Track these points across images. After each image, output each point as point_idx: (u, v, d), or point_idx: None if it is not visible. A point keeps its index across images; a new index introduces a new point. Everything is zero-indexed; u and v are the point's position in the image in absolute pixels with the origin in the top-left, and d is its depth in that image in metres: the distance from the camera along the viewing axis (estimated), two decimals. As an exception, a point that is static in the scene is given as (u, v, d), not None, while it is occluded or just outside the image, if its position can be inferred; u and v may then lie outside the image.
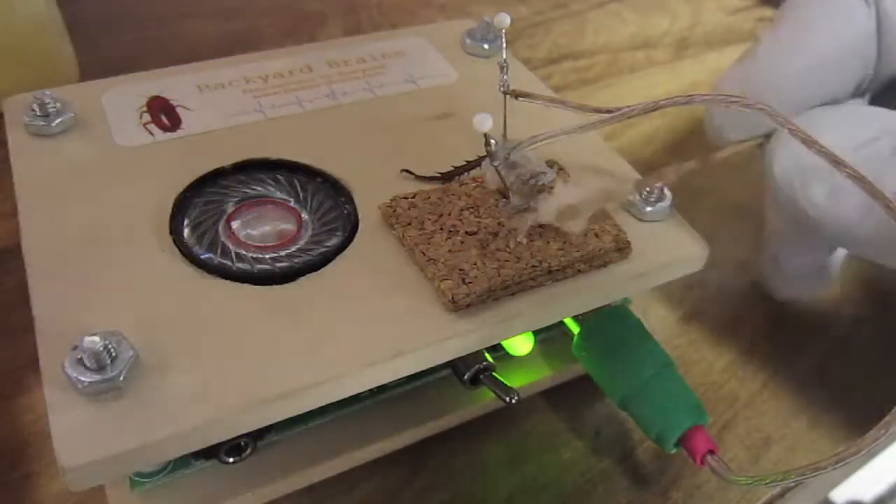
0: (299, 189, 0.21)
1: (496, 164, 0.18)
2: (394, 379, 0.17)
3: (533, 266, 0.18)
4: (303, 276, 0.18)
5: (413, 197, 0.20)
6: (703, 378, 0.24)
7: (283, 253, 0.19)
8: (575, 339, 0.21)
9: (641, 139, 0.33)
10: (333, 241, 0.19)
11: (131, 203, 0.20)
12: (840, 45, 0.20)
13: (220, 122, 0.22)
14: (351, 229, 0.20)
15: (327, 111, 0.23)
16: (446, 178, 0.21)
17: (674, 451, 0.19)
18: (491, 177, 0.19)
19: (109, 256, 0.18)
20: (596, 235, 0.19)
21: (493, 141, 0.18)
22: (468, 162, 0.21)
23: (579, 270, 0.19)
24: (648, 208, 0.20)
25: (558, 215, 0.18)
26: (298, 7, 0.41)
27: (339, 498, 0.20)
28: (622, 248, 0.19)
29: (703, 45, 0.41)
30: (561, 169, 0.21)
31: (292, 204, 0.20)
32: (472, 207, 0.19)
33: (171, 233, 0.19)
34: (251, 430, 0.16)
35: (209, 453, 0.18)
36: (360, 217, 0.20)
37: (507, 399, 0.19)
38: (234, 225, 0.20)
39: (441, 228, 0.19)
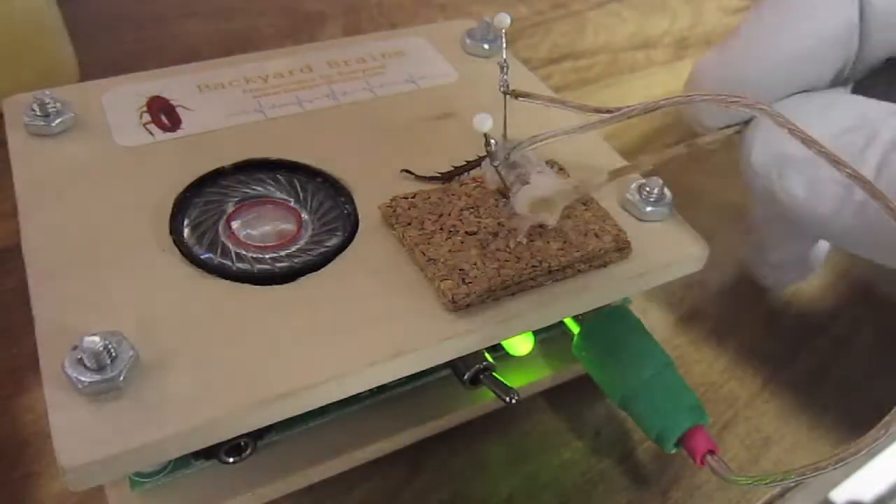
0: (299, 189, 0.21)
1: (496, 164, 0.18)
2: (394, 379, 0.17)
3: (533, 266, 0.18)
4: (303, 276, 0.18)
5: (413, 197, 0.20)
6: (703, 378, 0.24)
7: (283, 253, 0.19)
8: (575, 339, 0.21)
9: (641, 139, 0.33)
10: (333, 241, 0.19)
11: (131, 203, 0.20)
12: (821, 31, 0.20)
13: (220, 122, 0.22)
14: (351, 229, 0.20)
15: (327, 111, 0.23)
16: (446, 178, 0.21)
17: (674, 451, 0.19)
18: (491, 177, 0.19)
19: (109, 256, 0.18)
20: (596, 235, 0.19)
21: (493, 141, 0.18)
22: (468, 162, 0.21)
23: (579, 270, 0.19)
24: (648, 208, 0.20)
25: (531, 206, 0.18)
26: (298, 7, 0.41)
27: (339, 498, 0.20)
28: (622, 248, 0.19)
29: (703, 45, 0.41)
30: (561, 169, 0.21)
31: (292, 204, 0.20)
32: (472, 207, 0.19)
33: (171, 233, 0.19)
34: (251, 430, 0.16)
35: (209, 453, 0.18)
36: (360, 217, 0.20)
37: (507, 399, 0.19)
38: (234, 225, 0.20)
39: (441, 228, 0.19)
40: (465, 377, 0.20)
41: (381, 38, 0.27)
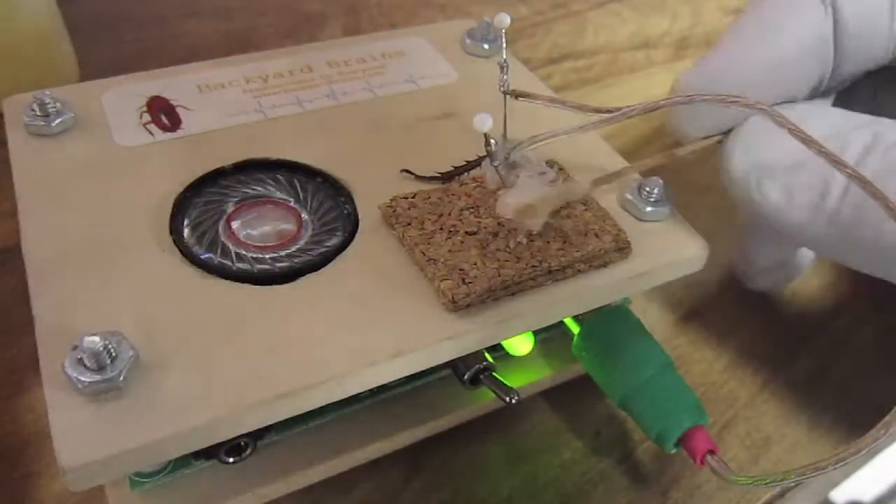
0: (299, 189, 0.21)
1: (496, 164, 0.18)
2: (394, 379, 0.17)
3: (533, 266, 0.18)
4: (303, 276, 0.18)
5: (413, 197, 0.20)
6: (703, 378, 0.24)
7: (283, 253, 0.19)
8: (575, 339, 0.21)
9: (641, 139, 0.33)
10: (333, 241, 0.19)
11: (131, 203, 0.20)
12: (797, 44, 0.21)
13: (220, 122, 0.22)
14: (351, 229, 0.20)
15: (327, 111, 0.23)
16: (446, 178, 0.21)
17: (674, 451, 0.19)
18: (491, 177, 0.19)
19: (109, 256, 0.18)
20: (596, 235, 0.19)
21: (493, 141, 0.18)
22: (468, 162, 0.21)
23: (579, 270, 0.19)
24: (648, 208, 0.20)
25: (516, 212, 0.18)
26: (298, 7, 0.41)
27: (339, 498, 0.20)
28: (622, 248, 0.19)
29: (703, 45, 0.41)
30: (561, 169, 0.21)
31: (292, 204, 0.20)
32: (472, 207, 0.19)
33: (171, 233, 0.19)
34: (251, 430, 0.16)
35: (209, 453, 0.18)
36: (360, 217, 0.20)
37: (507, 399, 0.19)
38: (234, 225, 0.20)
39: (441, 228, 0.19)
40: (465, 377, 0.20)
41: (381, 38, 0.27)
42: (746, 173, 0.20)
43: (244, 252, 0.19)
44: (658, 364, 0.20)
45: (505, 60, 0.20)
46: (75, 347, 0.15)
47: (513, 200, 0.18)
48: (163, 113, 0.23)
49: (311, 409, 0.16)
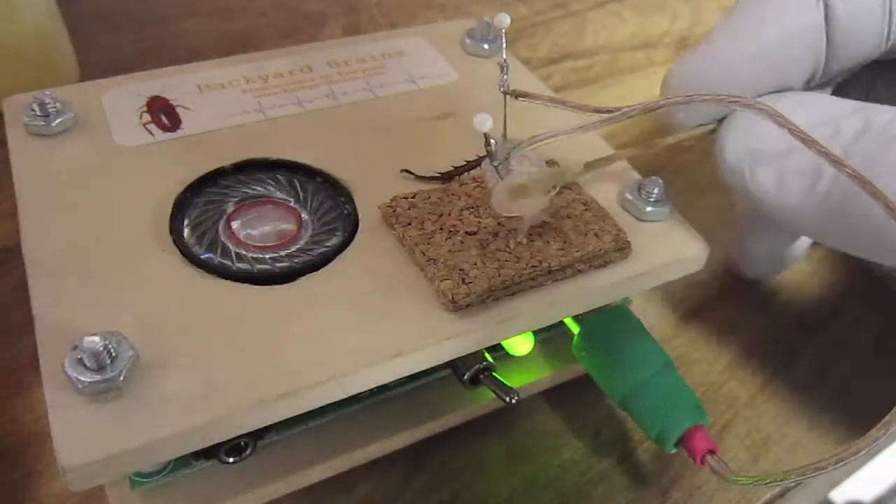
0: (299, 189, 0.21)
1: (496, 164, 0.18)
2: (394, 379, 0.17)
3: (533, 266, 0.18)
4: (303, 276, 0.18)
5: (413, 197, 0.20)
6: (703, 378, 0.24)
7: (283, 253, 0.19)
8: (575, 339, 0.21)
9: (641, 139, 0.33)
10: (333, 241, 0.19)
11: (131, 203, 0.20)
12: (787, 36, 0.21)
13: (220, 122, 0.22)
14: (351, 229, 0.20)
15: (327, 111, 0.23)
16: (446, 178, 0.21)
17: (674, 451, 0.19)
18: (491, 177, 0.19)
19: (109, 256, 0.18)
20: (596, 235, 0.19)
21: (493, 141, 0.18)
22: (468, 162, 0.21)
23: (579, 270, 0.19)
24: (648, 208, 0.20)
25: (511, 195, 0.18)
26: (298, 7, 0.41)
27: (339, 498, 0.20)
28: (622, 248, 0.19)
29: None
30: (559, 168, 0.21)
31: (292, 204, 0.20)
32: (472, 207, 0.19)
33: (171, 233, 0.19)
34: (251, 430, 0.16)
35: (209, 453, 0.18)
36: (360, 217, 0.20)
37: (507, 399, 0.19)
38: (234, 225, 0.20)
39: (441, 228, 0.19)
40: (465, 377, 0.20)
41: (381, 38, 0.27)
42: (739, 160, 0.20)
43: (244, 252, 0.19)
44: (658, 364, 0.20)
45: (505, 60, 0.20)
46: (75, 347, 0.15)
47: (505, 183, 0.18)
48: (163, 113, 0.23)
49: (311, 409, 0.16)
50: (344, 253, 0.19)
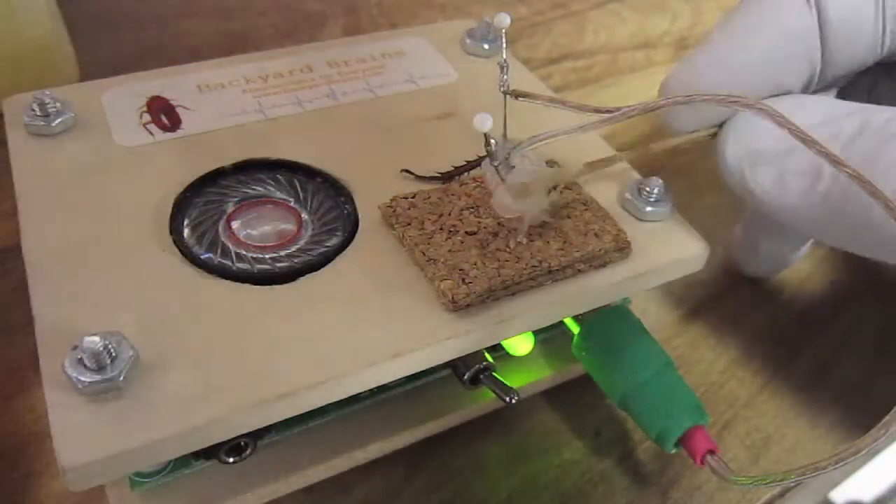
0: (299, 189, 0.21)
1: (496, 164, 0.18)
2: (394, 379, 0.17)
3: (533, 266, 0.18)
4: (303, 276, 0.18)
5: (413, 197, 0.20)
6: (703, 378, 0.24)
7: (283, 253, 0.19)
8: (575, 339, 0.21)
9: (641, 139, 0.33)
10: (333, 241, 0.19)
11: (131, 203, 0.20)
12: (781, 41, 0.21)
13: (220, 122, 0.22)
14: (351, 229, 0.20)
15: (327, 111, 0.23)
16: (446, 178, 0.21)
17: (674, 451, 0.19)
18: (491, 177, 0.19)
19: (109, 256, 0.18)
20: (596, 235, 0.19)
21: (493, 141, 0.18)
22: (468, 162, 0.21)
23: (579, 270, 0.19)
24: (648, 208, 0.20)
25: (515, 195, 0.18)
26: (298, 7, 0.41)
27: (339, 498, 0.20)
28: (622, 248, 0.19)
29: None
30: (560, 168, 0.21)
31: (292, 204, 0.20)
32: (472, 207, 0.19)
33: (171, 233, 0.19)
34: (251, 430, 0.16)
35: (209, 453, 0.18)
36: (360, 217, 0.20)
37: (507, 399, 0.19)
38: (234, 225, 0.20)
39: (441, 228, 0.19)
40: (465, 377, 0.20)
41: (381, 38, 0.27)
42: (740, 161, 0.21)
43: (244, 252, 0.19)
44: (658, 364, 0.20)
45: (505, 60, 0.20)
46: (75, 347, 0.15)
47: (507, 183, 0.18)
48: (163, 113, 0.23)
49: (311, 409, 0.16)
50: (344, 253, 0.19)
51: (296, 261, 0.19)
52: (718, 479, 0.19)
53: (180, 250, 0.19)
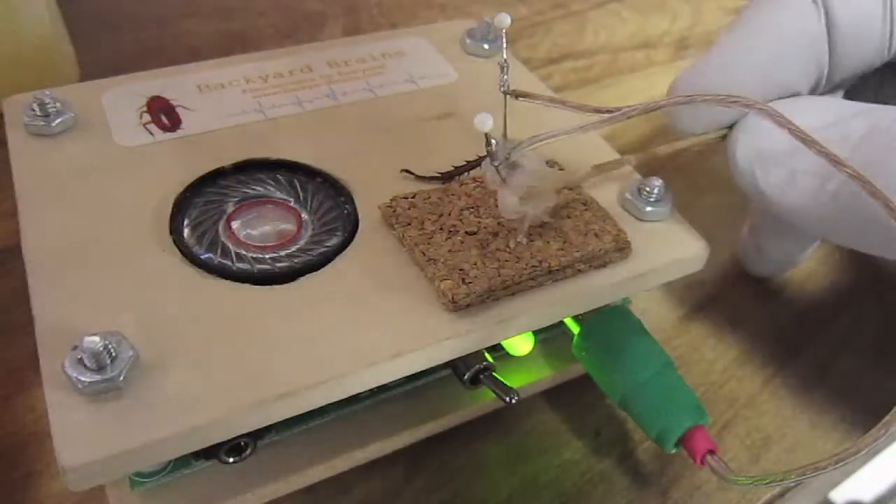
0: (299, 189, 0.21)
1: (496, 164, 0.18)
2: (394, 379, 0.17)
3: (533, 266, 0.18)
4: (303, 276, 0.18)
5: (413, 197, 0.20)
6: (703, 378, 0.24)
7: (283, 253, 0.19)
8: (575, 339, 0.21)
9: (641, 139, 0.33)
10: (333, 241, 0.19)
11: (131, 203, 0.20)
12: (789, 43, 0.21)
13: (220, 122, 0.22)
14: (351, 229, 0.20)
15: (327, 111, 0.23)
16: (446, 178, 0.21)
17: (674, 451, 0.19)
18: (491, 177, 0.19)
19: (109, 256, 0.18)
20: (596, 235, 0.19)
21: (493, 141, 0.18)
22: (468, 162, 0.21)
23: (579, 270, 0.19)
24: (648, 208, 0.20)
25: (522, 197, 0.18)
26: (298, 7, 0.41)
27: (339, 498, 0.20)
28: (622, 248, 0.19)
29: (703, 45, 0.41)
30: (561, 169, 0.21)
31: (292, 204, 0.20)
32: (472, 207, 0.19)
33: (171, 233, 0.19)
34: (251, 430, 0.16)
35: (209, 453, 0.18)
36: (360, 217, 0.20)
37: (507, 399, 0.19)
38: (234, 225, 0.20)
39: (441, 228, 0.19)
40: (465, 377, 0.20)
41: (381, 38, 0.27)
42: (750, 162, 0.21)
43: (244, 252, 0.19)
44: (658, 364, 0.20)
45: (505, 60, 0.20)
46: (75, 347, 0.15)
47: (514, 184, 0.18)
48: (163, 113, 0.23)
49: (311, 409, 0.16)
50: (344, 253, 0.19)
51: (296, 261, 0.19)
52: (718, 479, 0.19)
53: (180, 250, 0.19)
